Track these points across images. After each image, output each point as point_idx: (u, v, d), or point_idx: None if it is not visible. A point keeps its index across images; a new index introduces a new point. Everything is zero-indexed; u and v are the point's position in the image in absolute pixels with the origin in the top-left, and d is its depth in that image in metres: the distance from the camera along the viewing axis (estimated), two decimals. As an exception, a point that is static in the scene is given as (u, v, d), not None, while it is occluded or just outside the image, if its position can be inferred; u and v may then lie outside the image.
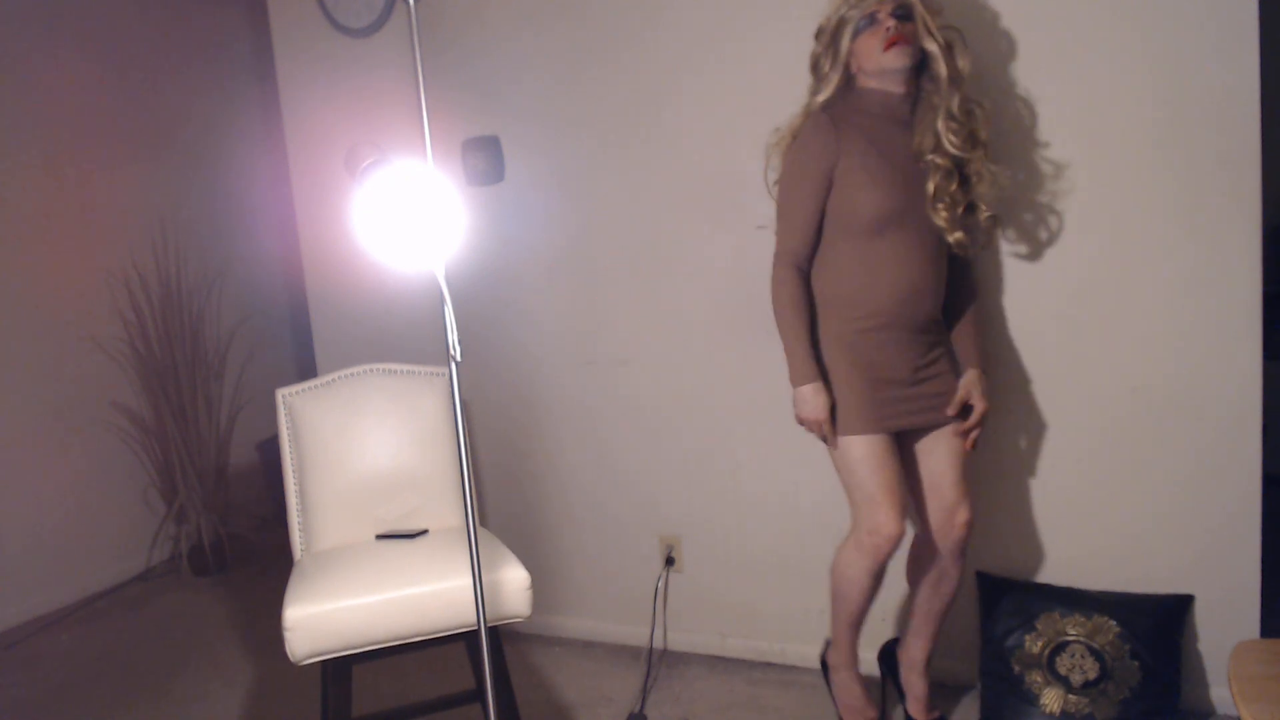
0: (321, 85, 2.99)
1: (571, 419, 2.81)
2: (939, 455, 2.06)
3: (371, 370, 2.29)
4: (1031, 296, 2.23)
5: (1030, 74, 2.15)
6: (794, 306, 2.01)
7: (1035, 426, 2.27)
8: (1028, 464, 2.29)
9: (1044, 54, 2.13)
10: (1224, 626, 2.13)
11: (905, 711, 2.22)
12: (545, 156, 2.70)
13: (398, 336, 2.95)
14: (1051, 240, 2.19)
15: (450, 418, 2.25)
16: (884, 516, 1.98)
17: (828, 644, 2.25)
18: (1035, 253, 2.21)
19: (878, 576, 2.06)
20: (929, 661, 2.19)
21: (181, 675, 2.88)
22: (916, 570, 2.15)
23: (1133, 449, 2.19)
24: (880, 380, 1.99)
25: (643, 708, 2.47)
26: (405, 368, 2.30)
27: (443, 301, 1.51)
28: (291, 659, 1.81)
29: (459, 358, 1.53)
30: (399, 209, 1.57)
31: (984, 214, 2.02)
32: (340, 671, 1.89)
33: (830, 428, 2.00)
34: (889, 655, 2.33)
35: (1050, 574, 2.27)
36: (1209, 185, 2.04)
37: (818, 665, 2.58)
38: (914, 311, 1.98)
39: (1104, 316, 2.17)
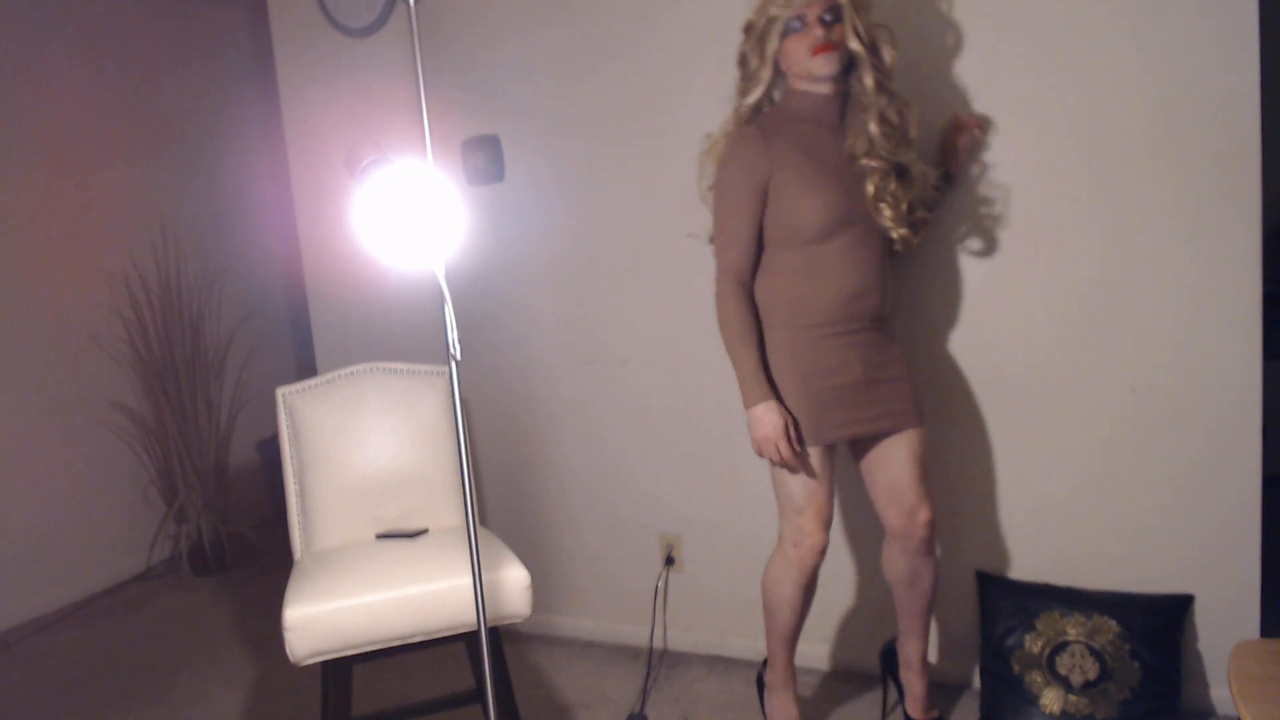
0: (321, 85, 2.99)
1: (571, 418, 2.81)
2: (898, 459, 2.04)
3: (371, 370, 2.29)
4: (1031, 296, 2.23)
5: (1031, 74, 2.15)
6: (741, 325, 1.98)
7: (1035, 426, 2.27)
8: (1027, 464, 2.29)
9: (1045, 54, 2.13)
10: (1224, 626, 2.13)
11: (904, 710, 2.22)
12: (545, 156, 2.70)
13: (398, 336, 2.94)
14: (1051, 241, 2.19)
15: (450, 417, 2.25)
16: (809, 525, 2.00)
17: (765, 663, 2.24)
18: (1036, 253, 2.22)
19: (806, 589, 2.06)
20: (924, 660, 2.19)
21: (181, 675, 2.88)
22: (892, 573, 2.14)
23: (1132, 449, 2.18)
24: (830, 389, 1.96)
25: (643, 708, 2.47)
26: (405, 367, 2.30)
27: (443, 301, 1.51)
28: (291, 659, 1.81)
29: (459, 357, 1.53)
30: (399, 209, 1.57)
31: (919, 213, 2.03)
32: (340, 671, 1.89)
33: (789, 446, 1.94)
34: (889, 654, 2.33)
35: (1050, 574, 2.27)
36: (1209, 185, 2.03)
37: (816, 665, 2.58)
38: (863, 309, 1.98)
39: (1104, 317, 2.17)
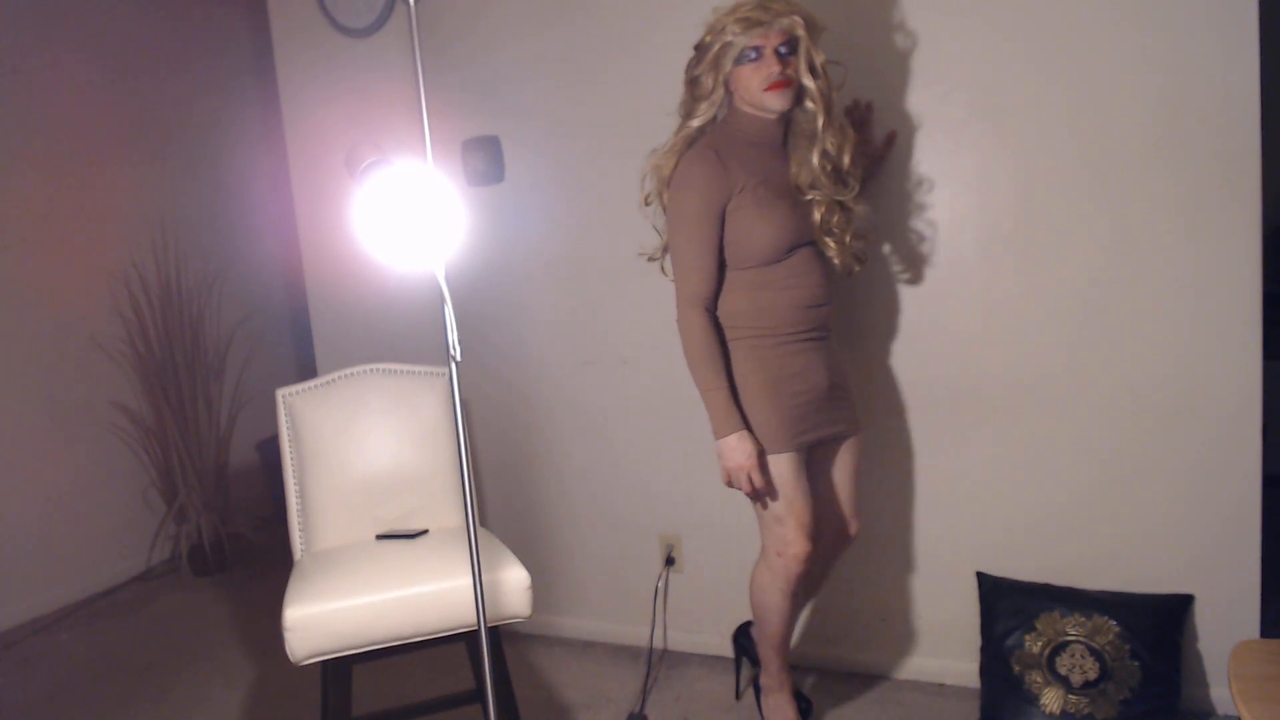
0: (321, 85, 2.99)
1: (572, 418, 2.81)
2: (844, 468, 2.09)
3: (371, 370, 2.29)
4: (1031, 296, 2.23)
5: (1032, 74, 2.15)
6: (709, 353, 1.95)
7: (1035, 426, 2.27)
8: (1027, 464, 2.29)
9: (1046, 54, 2.13)
10: (1224, 626, 2.14)
11: (755, 680, 2.27)
12: (545, 157, 2.70)
13: (398, 336, 2.94)
14: (1051, 241, 2.20)
15: (450, 417, 2.25)
16: (790, 535, 1.98)
17: (759, 668, 2.25)
18: (1036, 253, 2.22)
19: (792, 597, 2.05)
20: None
21: (181, 675, 2.88)
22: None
23: (1132, 449, 2.18)
24: (797, 393, 1.97)
25: (643, 708, 2.47)
26: (405, 368, 2.30)
27: (443, 301, 1.51)
28: (291, 659, 1.81)
29: (459, 357, 1.54)
30: (399, 209, 1.57)
31: (858, 244, 2.05)
32: (340, 671, 1.89)
33: (760, 476, 1.94)
34: (743, 636, 2.36)
35: (1050, 574, 2.27)
36: (1209, 185, 2.04)
37: (816, 665, 2.58)
38: (818, 318, 2.01)
39: (1104, 316, 2.17)
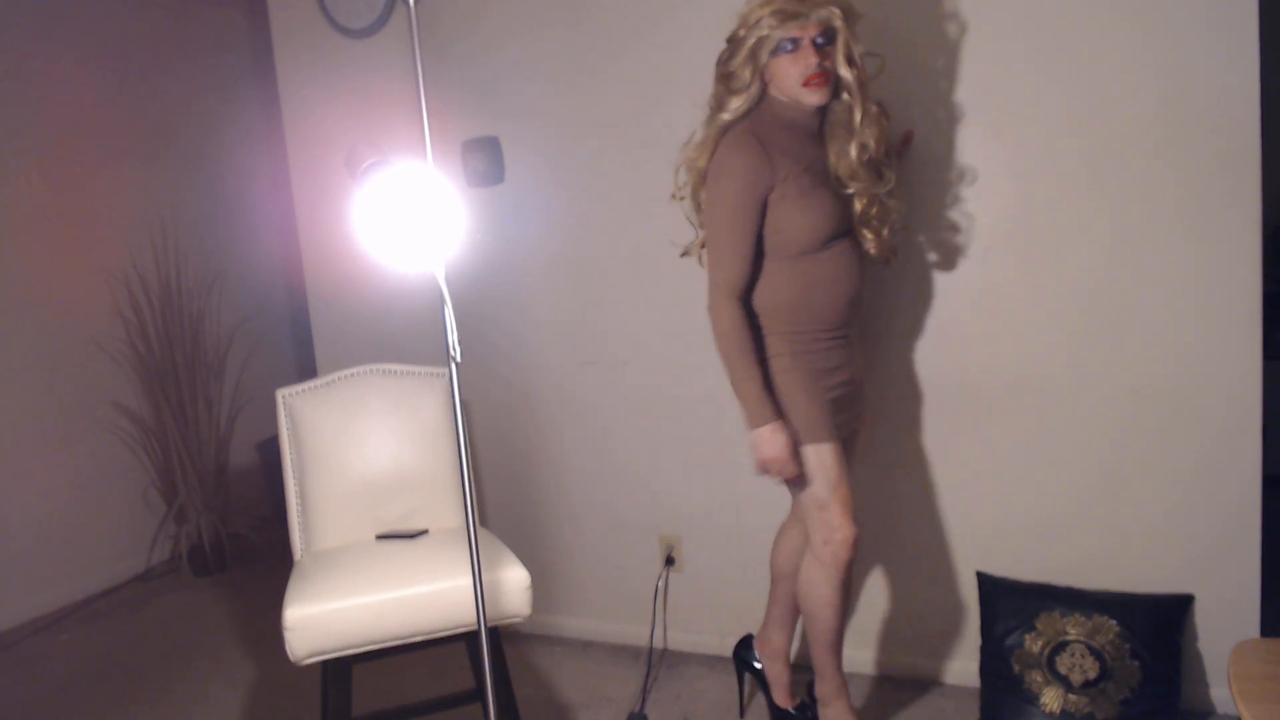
0: (321, 85, 2.99)
1: (572, 419, 2.81)
2: (849, 461, 2.08)
3: (371, 370, 2.29)
4: (1032, 296, 2.23)
5: (1032, 74, 2.15)
6: (742, 344, 1.91)
7: (1035, 426, 2.27)
8: (1028, 464, 2.29)
9: (1046, 54, 2.13)
10: (1224, 626, 2.14)
11: (770, 702, 2.25)
12: (545, 158, 2.70)
13: (398, 336, 2.94)
14: (1051, 241, 2.20)
15: (450, 418, 2.25)
16: (836, 520, 1.95)
17: (811, 683, 2.21)
18: (1037, 253, 2.22)
19: (843, 588, 2.02)
20: (789, 648, 2.27)
21: (181, 675, 2.88)
22: (789, 565, 2.16)
23: (1132, 449, 2.19)
24: (834, 386, 1.98)
25: (643, 708, 2.47)
26: (405, 368, 2.30)
27: (443, 302, 1.52)
28: (291, 659, 1.82)
29: (459, 358, 1.54)
30: (399, 209, 1.57)
31: (894, 239, 2.05)
32: (340, 671, 1.89)
33: (795, 464, 1.92)
34: (745, 650, 2.34)
35: (1050, 574, 2.27)
36: (1209, 185, 2.04)
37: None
38: (857, 313, 2.02)
39: (1104, 316, 2.17)
